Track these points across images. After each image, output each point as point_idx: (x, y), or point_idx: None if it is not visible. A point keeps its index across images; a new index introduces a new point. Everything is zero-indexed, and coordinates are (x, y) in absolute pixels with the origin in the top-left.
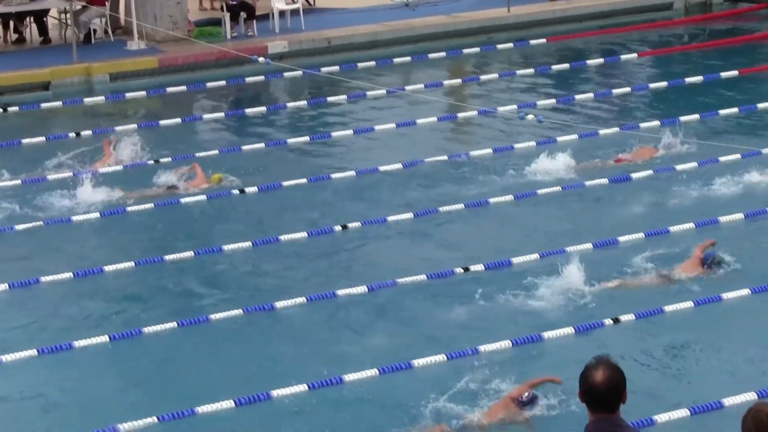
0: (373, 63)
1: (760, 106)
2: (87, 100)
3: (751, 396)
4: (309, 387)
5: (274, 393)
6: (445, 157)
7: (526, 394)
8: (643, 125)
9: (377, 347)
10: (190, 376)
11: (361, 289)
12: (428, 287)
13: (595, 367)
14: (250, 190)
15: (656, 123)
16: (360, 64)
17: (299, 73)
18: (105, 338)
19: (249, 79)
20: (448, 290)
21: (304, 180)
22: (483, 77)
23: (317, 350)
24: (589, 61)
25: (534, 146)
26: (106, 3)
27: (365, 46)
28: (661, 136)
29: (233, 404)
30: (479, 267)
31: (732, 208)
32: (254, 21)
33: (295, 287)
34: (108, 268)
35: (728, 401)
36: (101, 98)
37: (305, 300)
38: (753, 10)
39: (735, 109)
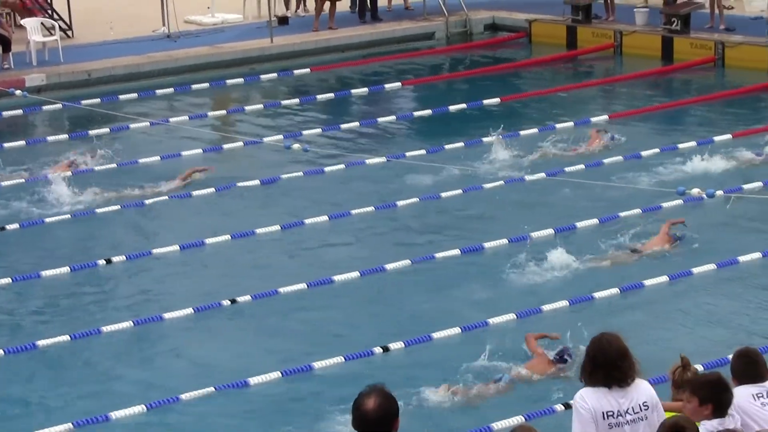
0: (135, 95)
1: (523, 133)
2: None
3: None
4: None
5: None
6: (212, 190)
7: (559, 350)
8: (409, 153)
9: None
10: None
11: (127, 324)
12: (195, 319)
13: (368, 395)
14: (11, 226)
15: (422, 151)
16: (122, 96)
17: (59, 106)
18: None
19: (6, 113)
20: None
21: (67, 216)
22: (248, 108)
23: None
24: (353, 90)
25: (301, 176)
26: None
27: (127, 78)
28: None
29: None
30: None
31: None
32: (10, 53)
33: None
34: None
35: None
36: None
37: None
38: (512, 39)
39: (498, 137)
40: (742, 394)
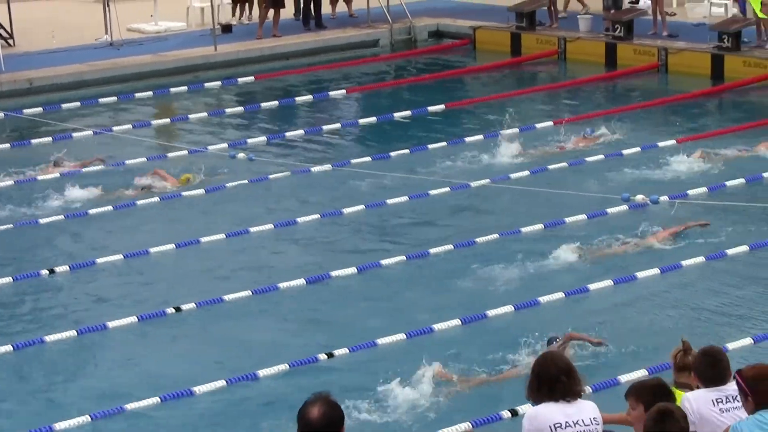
0: (78, 104)
1: (468, 139)
2: None
3: None
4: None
5: None
6: (156, 199)
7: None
8: (354, 161)
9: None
10: None
11: (71, 333)
12: (140, 327)
13: (313, 403)
14: None
15: (367, 159)
16: (65, 105)
17: (0, 115)
18: None
19: None
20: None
21: (10, 225)
22: (192, 116)
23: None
24: (298, 98)
25: (246, 184)
26: None
27: (70, 87)
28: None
29: None
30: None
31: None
32: None
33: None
34: None
35: None
36: None
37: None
38: (456, 46)
39: (444, 143)
40: (702, 399)
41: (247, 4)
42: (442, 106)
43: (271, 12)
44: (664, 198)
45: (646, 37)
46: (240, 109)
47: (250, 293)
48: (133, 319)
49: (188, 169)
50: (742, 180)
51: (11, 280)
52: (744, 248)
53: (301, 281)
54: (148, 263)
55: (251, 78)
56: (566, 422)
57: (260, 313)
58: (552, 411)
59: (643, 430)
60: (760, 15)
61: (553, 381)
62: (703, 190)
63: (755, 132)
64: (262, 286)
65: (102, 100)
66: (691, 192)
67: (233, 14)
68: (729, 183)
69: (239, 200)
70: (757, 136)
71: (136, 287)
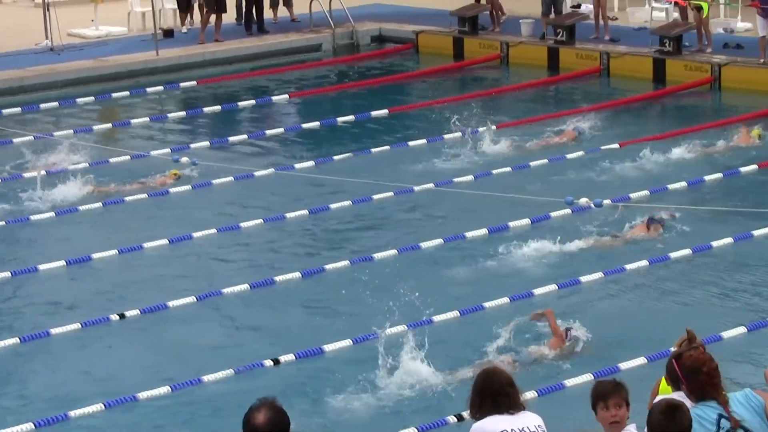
0: (18, 109)
1: (411, 144)
2: None
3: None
4: None
5: None
6: (99, 205)
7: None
8: (297, 165)
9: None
10: None
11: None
12: (83, 334)
13: (258, 408)
14: None
15: (311, 163)
16: (5, 111)
17: None
18: None
19: None
20: None
21: None
22: (134, 121)
23: None
24: (240, 103)
25: (190, 189)
26: None
27: (10, 92)
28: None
29: None
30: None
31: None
32: None
33: None
34: None
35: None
36: None
37: None
38: (399, 51)
39: (387, 147)
40: None
41: (189, 10)
42: (385, 111)
43: (213, 17)
44: (607, 201)
45: (588, 41)
46: (182, 114)
47: (194, 299)
48: (77, 325)
49: (172, 167)
50: (684, 183)
51: None
52: (687, 251)
53: (245, 286)
54: (91, 269)
55: (193, 83)
56: (511, 429)
57: (205, 319)
58: (498, 422)
59: (651, 424)
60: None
61: (497, 394)
62: (645, 193)
63: (696, 135)
64: (206, 291)
65: (43, 105)
66: (633, 195)
67: (177, 20)
68: (671, 186)
69: (182, 205)
70: (697, 139)
71: (79, 294)
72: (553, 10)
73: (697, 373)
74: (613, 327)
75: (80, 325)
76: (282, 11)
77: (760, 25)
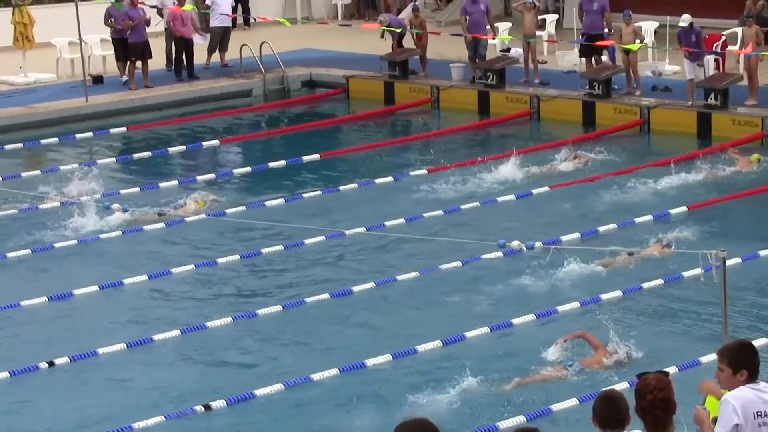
0: None
1: (343, 188)
2: None
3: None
4: None
5: None
6: (28, 251)
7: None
8: (229, 210)
9: None
10: None
11: None
12: (12, 383)
13: None
14: None
15: (242, 208)
16: None
17: None
18: None
19: None
20: None
21: None
22: (63, 167)
23: None
24: (171, 149)
25: (120, 235)
26: None
27: None
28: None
29: None
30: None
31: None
32: None
33: None
34: None
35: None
36: None
37: None
38: (330, 95)
39: (319, 192)
40: None
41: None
42: (316, 155)
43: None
44: (539, 244)
45: (518, 84)
46: (112, 159)
47: (125, 345)
48: (5, 374)
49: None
50: (614, 225)
51: None
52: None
53: (176, 332)
54: (21, 316)
55: (123, 129)
56: None
57: (135, 365)
58: None
59: (594, 414)
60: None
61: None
62: (576, 235)
63: (625, 177)
64: (137, 338)
65: None
66: (564, 238)
67: (121, 71)
68: (602, 228)
69: (113, 251)
70: (625, 181)
71: (7, 341)
72: (476, 54)
73: (641, 399)
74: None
75: (8, 374)
76: (215, 56)
77: (687, 68)
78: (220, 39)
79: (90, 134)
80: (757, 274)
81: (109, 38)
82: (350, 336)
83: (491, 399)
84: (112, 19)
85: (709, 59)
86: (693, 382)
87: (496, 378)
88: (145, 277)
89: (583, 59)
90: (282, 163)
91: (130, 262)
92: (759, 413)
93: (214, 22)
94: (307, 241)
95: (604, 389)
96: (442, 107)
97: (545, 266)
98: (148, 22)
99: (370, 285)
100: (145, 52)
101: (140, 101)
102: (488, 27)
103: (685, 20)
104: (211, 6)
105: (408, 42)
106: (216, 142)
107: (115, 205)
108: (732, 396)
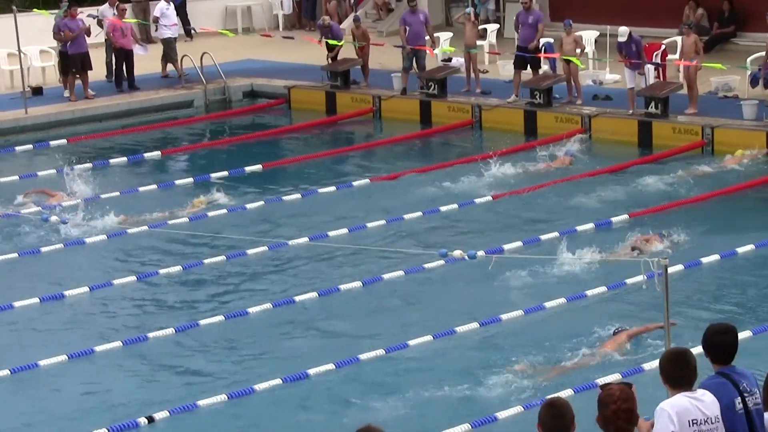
0: None
1: (286, 198)
2: None
3: None
4: None
5: None
6: None
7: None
8: (171, 222)
9: None
10: None
11: None
12: None
13: None
14: None
15: (185, 220)
16: None
17: None
18: None
19: None
20: None
21: None
22: (2, 180)
23: None
24: (112, 160)
25: (62, 248)
26: None
27: None
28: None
29: None
30: None
31: None
32: None
33: None
34: None
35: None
36: None
37: None
38: (271, 106)
39: (261, 203)
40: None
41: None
42: (259, 166)
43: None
44: (480, 253)
45: (459, 94)
46: (53, 171)
47: (66, 357)
48: None
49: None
50: (556, 233)
51: None
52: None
53: (117, 344)
54: None
55: (64, 141)
56: None
57: (77, 377)
58: None
59: (539, 421)
60: (579, 63)
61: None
62: (518, 244)
63: (569, 184)
64: (78, 350)
65: None
66: (506, 247)
67: (65, 85)
68: (543, 237)
69: (54, 263)
70: (567, 189)
71: None
72: (415, 64)
73: (604, 408)
74: None
75: None
76: (156, 67)
77: (628, 77)
78: (170, 49)
79: (30, 146)
80: (700, 281)
81: (49, 50)
82: (294, 345)
83: (436, 406)
84: (62, 32)
85: (650, 68)
86: (638, 388)
87: (439, 385)
88: (86, 288)
89: (513, 71)
90: (224, 173)
91: (71, 274)
92: (695, 421)
93: (166, 33)
94: (250, 252)
95: (549, 396)
96: (384, 117)
97: (488, 275)
98: (88, 32)
99: (313, 295)
100: (85, 64)
101: (80, 113)
102: (427, 38)
103: (623, 33)
104: (160, 18)
105: (349, 52)
106: (158, 153)
107: (54, 218)
108: (668, 404)
